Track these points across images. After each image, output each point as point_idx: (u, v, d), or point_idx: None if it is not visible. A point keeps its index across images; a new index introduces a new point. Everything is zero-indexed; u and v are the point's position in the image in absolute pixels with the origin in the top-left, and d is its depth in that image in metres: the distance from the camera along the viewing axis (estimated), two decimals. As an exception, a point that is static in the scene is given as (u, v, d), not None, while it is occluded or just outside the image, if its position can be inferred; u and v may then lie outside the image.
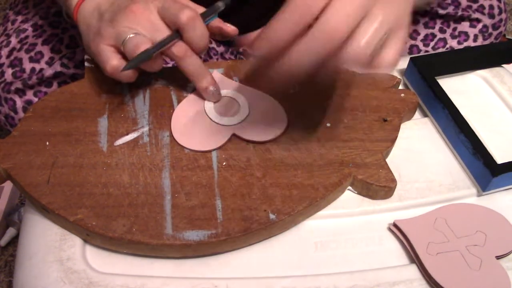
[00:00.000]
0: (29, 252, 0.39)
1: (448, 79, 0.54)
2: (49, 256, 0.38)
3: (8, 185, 0.74)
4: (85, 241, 0.39)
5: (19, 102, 0.61)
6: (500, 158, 0.46)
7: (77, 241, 0.39)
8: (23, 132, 0.44)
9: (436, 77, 0.51)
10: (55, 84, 0.61)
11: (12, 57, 0.59)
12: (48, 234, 0.40)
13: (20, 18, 0.63)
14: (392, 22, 0.33)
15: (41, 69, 0.59)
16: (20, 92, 0.60)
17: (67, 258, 0.38)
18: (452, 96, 0.48)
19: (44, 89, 0.61)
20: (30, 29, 0.61)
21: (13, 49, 0.60)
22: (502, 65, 0.55)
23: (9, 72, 0.60)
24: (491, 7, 0.64)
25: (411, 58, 0.51)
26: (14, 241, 0.72)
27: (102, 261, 0.39)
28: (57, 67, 0.59)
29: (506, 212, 0.41)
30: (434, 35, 0.63)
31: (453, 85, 0.53)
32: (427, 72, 0.50)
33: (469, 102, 0.52)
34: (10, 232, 0.71)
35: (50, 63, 0.60)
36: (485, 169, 0.42)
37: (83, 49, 0.60)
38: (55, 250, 0.38)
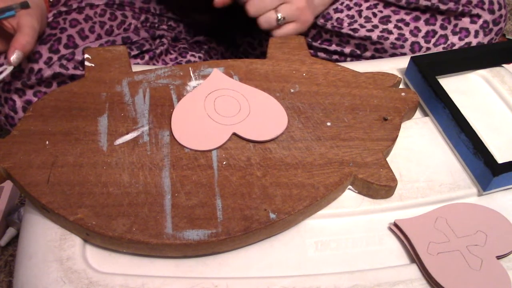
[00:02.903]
0: (29, 252, 0.39)
1: (449, 78, 0.54)
2: (49, 256, 0.38)
3: (8, 185, 0.74)
4: (85, 240, 0.39)
5: (19, 102, 0.61)
6: (500, 157, 0.46)
7: (77, 240, 0.39)
8: (23, 132, 0.43)
9: (436, 77, 0.50)
10: (54, 84, 0.61)
11: None
12: (48, 234, 0.39)
13: None
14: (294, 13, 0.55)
15: (40, 69, 0.59)
16: (20, 91, 0.60)
17: (67, 258, 0.38)
18: (452, 95, 0.48)
19: (43, 89, 0.61)
20: None
21: None
22: (502, 65, 0.55)
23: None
24: (491, 2, 0.64)
25: (411, 57, 0.51)
26: (14, 241, 0.72)
27: (102, 260, 0.38)
28: (55, 68, 0.59)
29: (507, 212, 0.41)
30: (435, 32, 0.63)
31: (454, 85, 0.53)
32: (427, 72, 0.50)
33: (470, 101, 0.52)
34: (10, 232, 0.71)
35: (48, 63, 0.60)
36: (486, 169, 0.42)
37: (82, 50, 0.60)
38: (55, 250, 0.38)
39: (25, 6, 0.54)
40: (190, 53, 0.71)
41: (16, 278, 0.39)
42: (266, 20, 0.56)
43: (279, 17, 0.54)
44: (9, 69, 0.53)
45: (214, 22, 0.74)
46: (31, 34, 0.54)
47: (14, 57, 0.52)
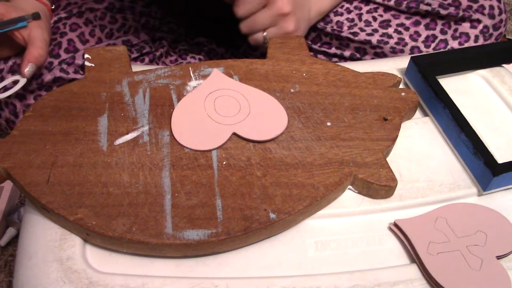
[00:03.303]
0: (29, 252, 0.39)
1: (449, 78, 0.54)
2: (49, 256, 0.38)
3: (8, 185, 0.74)
4: (85, 240, 0.39)
5: (19, 106, 0.61)
6: (500, 157, 0.46)
7: (77, 240, 0.39)
8: (23, 132, 0.43)
9: (436, 77, 0.50)
10: (55, 88, 0.61)
11: (10, 62, 0.60)
12: (48, 234, 0.39)
13: None
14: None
15: (40, 74, 0.59)
16: (20, 96, 0.60)
17: (67, 258, 0.38)
18: (452, 95, 0.48)
19: (44, 93, 0.61)
20: None
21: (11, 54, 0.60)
22: (503, 65, 0.55)
23: (8, 77, 0.60)
24: (491, 7, 0.64)
25: (411, 57, 0.51)
26: (14, 241, 0.72)
27: (102, 260, 0.38)
28: (56, 72, 0.60)
29: (507, 212, 0.41)
30: (435, 37, 0.63)
31: (454, 85, 0.53)
32: (427, 72, 0.50)
33: (470, 101, 0.52)
34: (10, 232, 0.71)
35: (49, 68, 0.60)
36: (486, 169, 0.42)
37: (83, 54, 0.61)
38: (55, 250, 0.38)
39: (36, 17, 0.56)
40: (190, 55, 0.71)
41: (16, 278, 0.39)
42: (253, 39, 0.58)
43: (266, 40, 0.57)
44: (22, 81, 0.54)
45: (215, 24, 0.74)
46: (43, 47, 0.55)
47: (27, 69, 0.54)
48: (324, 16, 0.67)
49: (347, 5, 0.67)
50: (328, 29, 0.67)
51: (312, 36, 0.69)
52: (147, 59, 0.65)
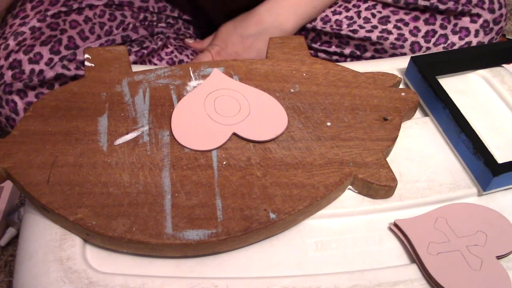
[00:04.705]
0: (29, 252, 0.39)
1: (449, 78, 0.54)
2: (49, 256, 0.38)
3: (8, 185, 0.74)
4: (85, 240, 0.39)
5: (20, 104, 0.61)
6: (500, 157, 0.46)
7: (77, 240, 0.39)
8: (23, 132, 0.43)
9: (436, 77, 0.50)
10: (56, 86, 0.61)
11: (10, 59, 0.59)
12: (48, 234, 0.39)
13: (18, 21, 0.63)
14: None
15: (41, 71, 0.59)
16: (22, 93, 0.60)
17: (67, 258, 0.38)
18: (452, 95, 0.48)
19: (46, 91, 0.61)
20: (28, 32, 0.61)
21: (11, 51, 0.60)
22: (502, 65, 0.55)
23: (8, 74, 0.60)
24: (491, 1, 0.63)
25: (411, 57, 0.51)
26: (14, 241, 0.72)
27: (102, 260, 0.38)
28: (58, 69, 0.59)
29: (507, 212, 0.41)
30: (435, 31, 0.63)
31: (454, 85, 0.53)
32: (427, 72, 0.50)
33: (470, 101, 0.52)
34: (10, 232, 0.71)
35: (49, 64, 0.60)
36: (486, 169, 0.42)
37: (83, 50, 0.61)
38: (55, 250, 0.38)
39: None
40: (189, 50, 0.71)
41: (16, 278, 0.39)
42: None
43: None
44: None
45: (213, 18, 0.74)
46: None
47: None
48: (323, 16, 0.67)
49: (345, 4, 0.67)
50: (328, 28, 0.67)
51: (311, 36, 0.69)
52: (145, 52, 0.65)
